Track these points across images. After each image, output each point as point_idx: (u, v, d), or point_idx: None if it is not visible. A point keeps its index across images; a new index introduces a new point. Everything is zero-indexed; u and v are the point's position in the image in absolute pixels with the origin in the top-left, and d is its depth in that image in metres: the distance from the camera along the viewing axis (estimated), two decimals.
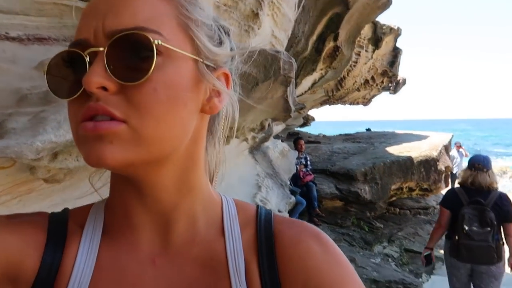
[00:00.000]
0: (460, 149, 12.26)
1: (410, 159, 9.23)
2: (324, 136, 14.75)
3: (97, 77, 0.43)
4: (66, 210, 0.60)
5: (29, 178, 1.36)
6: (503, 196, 3.43)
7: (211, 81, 0.52)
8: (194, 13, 0.50)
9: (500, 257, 3.34)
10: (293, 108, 2.23)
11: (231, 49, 0.57)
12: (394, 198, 9.50)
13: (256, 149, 4.51)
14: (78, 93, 0.45)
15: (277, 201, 3.75)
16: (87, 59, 0.45)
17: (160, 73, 0.45)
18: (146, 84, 0.44)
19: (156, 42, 0.44)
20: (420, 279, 6.09)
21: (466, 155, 11.71)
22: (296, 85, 7.88)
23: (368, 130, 16.12)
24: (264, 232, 0.55)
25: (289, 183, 6.86)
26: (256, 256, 0.53)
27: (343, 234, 7.55)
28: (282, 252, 0.53)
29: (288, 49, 6.29)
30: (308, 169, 8.07)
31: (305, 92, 9.30)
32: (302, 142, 8.37)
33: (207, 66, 0.51)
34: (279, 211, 3.53)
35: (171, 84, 0.47)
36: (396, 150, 9.90)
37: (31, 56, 1.68)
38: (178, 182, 0.53)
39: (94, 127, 0.43)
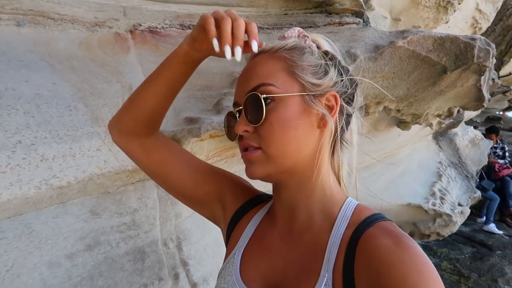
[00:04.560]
0: None
1: None
2: None
3: (241, 126, 0.73)
4: (268, 195, 0.94)
5: (233, 145, 1.71)
6: None
7: (315, 107, 0.71)
8: (299, 62, 0.72)
9: None
10: (487, 97, 2.03)
11: (340, 73, 0.76)
12: None
13: (441, 135, 4.19)
14: (237, 136, 0.77)
15: (459, 194, 3.44)
16: (237, 115, 0.76)
17: (273, 113, 0.70)
18: (265, 122, 0.70)
19: (263, 96, 0.69)
20: None
21: None
22: (503, 63, 6.72)
23: None
24: (358, 232, 0.66)
25: (479, 174, 6.10)
26: (345, 250, 0.66)
27: None
28: (361, 247, 0.64)
29: (496, 22, 5.44)
30: (506, 161, 6.96)
31: None
32: (494, 137, 7.15)
33: (314, 95, 0.71)
34: (460, 204, 3.25)
35: (281, 118, 0.70)
36: None
37: None
38: (301, 186, 0.75)
39: (245, 156, 0.75)
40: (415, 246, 0.60)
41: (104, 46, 1.53)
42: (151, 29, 1.70)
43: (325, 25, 1.98)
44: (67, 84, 1.27)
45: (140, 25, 1.68)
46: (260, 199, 0.91)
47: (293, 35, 0.78)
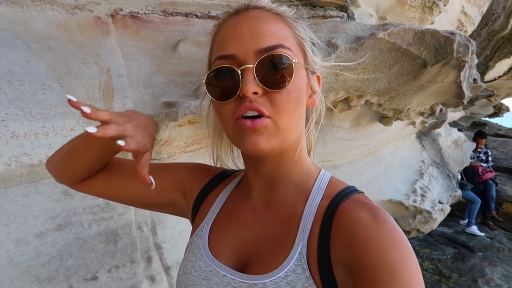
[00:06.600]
0: None
1: None
2: None
3: (252, 86, 0.61)
4: (234, 171, 0.90)
5: None
6: None
7: (313, 84, 0.71)
8: (302, 34, 0.69)
9: None
10: (467, 94, 2.06)
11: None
12: None
13: (425, 134, 4.23)
14: (234, 97, 0.64)
15: (440, 192, 3.48)
16: (240, 73, 0.62)
17: (292, 81, 0.63)
18: (284, 89, 0.63)
19: (294, 60, 0.63)
20: None
21: None
22: (488, 68, 6.84)
23: None
24: (334, 204, 0.66)
25: (459, 176, 6.20)
26: (321, 221, 0.65)
27: None
28: (338, 219, 0.63)
29: (481, 27, 5.52)
30: (489, 165, 7.08)
31: (500, 77, 7.98)
32: (483, 141, 7.29)
33: (311, 72, 0.70)
34: (440, 202, 3.29)
35: (298, 88, 0.65)
36: None
37: None
38: (285, 160, 0.72)
39: (252, 124, 0.62)
40: (391, 220, 0.60)
41: (84, 29, 1.51)
42: (132, 14, 1.68)
43: (308, 18, 1.99)
44: (42, 63, 1.25)
45: (122, 9, 1.67)
46: (224, 175, 0.89)
47: (266, 1, 0.72)
